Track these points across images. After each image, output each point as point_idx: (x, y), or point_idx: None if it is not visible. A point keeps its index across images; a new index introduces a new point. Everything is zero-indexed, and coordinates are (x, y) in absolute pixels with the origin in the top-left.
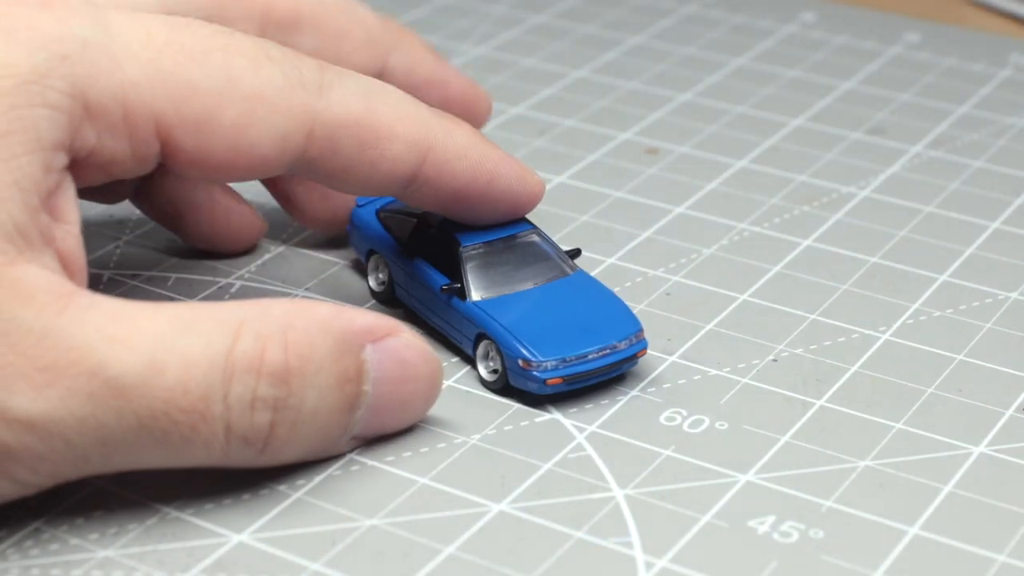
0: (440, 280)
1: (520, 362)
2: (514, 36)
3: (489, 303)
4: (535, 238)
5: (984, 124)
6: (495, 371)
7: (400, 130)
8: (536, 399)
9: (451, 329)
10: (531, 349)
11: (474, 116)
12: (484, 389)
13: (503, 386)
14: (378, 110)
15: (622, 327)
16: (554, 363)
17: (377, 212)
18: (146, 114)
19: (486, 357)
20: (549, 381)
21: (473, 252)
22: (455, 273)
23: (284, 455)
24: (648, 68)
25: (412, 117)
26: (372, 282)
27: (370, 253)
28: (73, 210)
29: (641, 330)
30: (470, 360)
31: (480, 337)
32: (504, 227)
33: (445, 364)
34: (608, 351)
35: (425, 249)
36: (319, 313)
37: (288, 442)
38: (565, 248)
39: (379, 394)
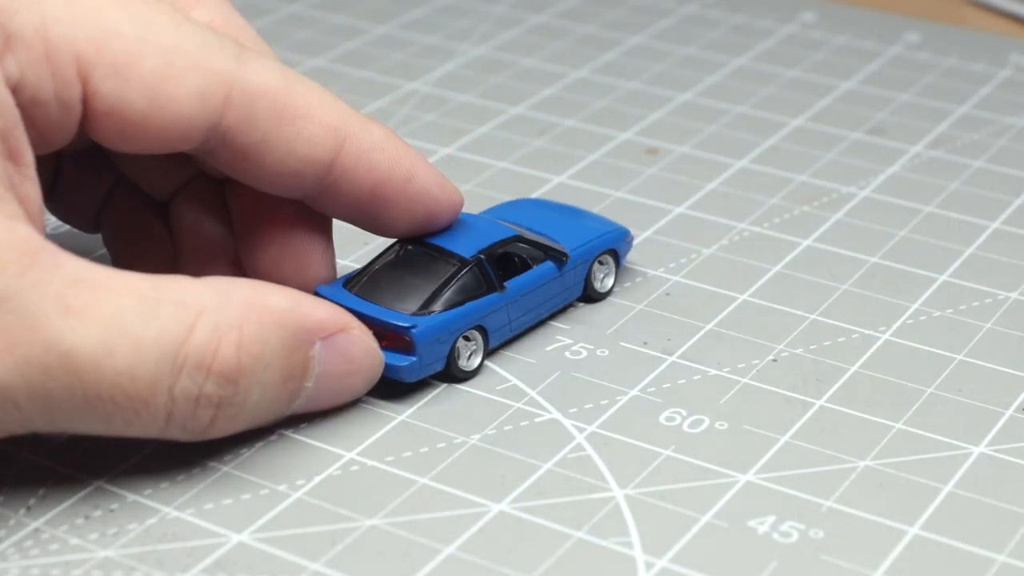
0: (542, 271)
1: (627, 239)
2: (514, 36)
3: (567, 244)
4: (480, 216)
5: (984, 124)
6: (607, 276)
7: (318, 112)
8: (535, 400)
9: (564, 296)
10: (621, 227)
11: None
12: (483, 389)
13: (616, 277)
14: (295, 89)
15: (616, 229)
16: (629, 236)
17: (416, 312)
18: (67, 51)
19: (600, 278)
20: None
21: (521, 237)
22: (522, 263)
23: (218, 436)
24: (648, 68)
25: (329, 102)
26: (465, 365)
27: (454, 345)
28: (27, 151)
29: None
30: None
31: (591, 266)
32: (484, 223)
33: None
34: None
35: (499, 276)
36: (276, 306)
37: (224, 430)
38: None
39: (319, 387)
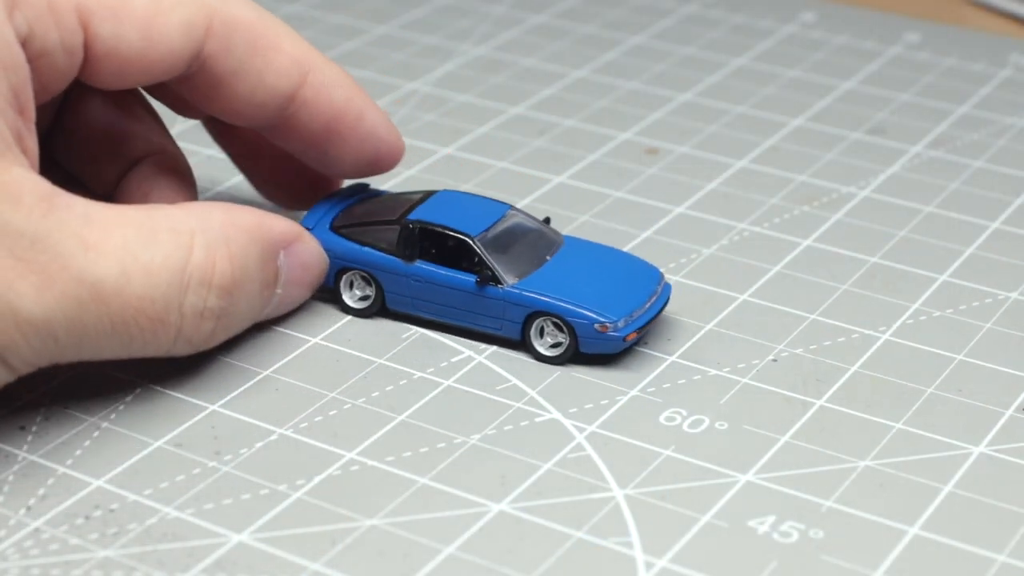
0: (457, 277)
1: (597, 327)
2: (514, 36)
3: (528, 283)
4: (518, 215)
5: (984, 124)
6: (557, 345)
7: (286, 45)
8: (535, 400)
9: (485, 319)
10: (603, 313)
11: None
12: (483, 389)
13: (570, 357)
14: (267, 22)
15: (650, 275)
16: (624, 320)
17: (335, 230)
18: (68, 0)
19: (541, 335)
20: (628, 337)
21: (485, 239)
22: (466, 266)
23: (214, 345)
24: (648, 68)
25: (295, 38)
26: (350, 300)
27: (340, 272)
28: (32, 106)
29: (663, 274)
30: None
31: (532, 317)
32: (490, 211)
33: (444, 365)
34: (655, 297)
35: (421, 252)
36: (248, 222)
37: (219, 339)
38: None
39: (284, 294)
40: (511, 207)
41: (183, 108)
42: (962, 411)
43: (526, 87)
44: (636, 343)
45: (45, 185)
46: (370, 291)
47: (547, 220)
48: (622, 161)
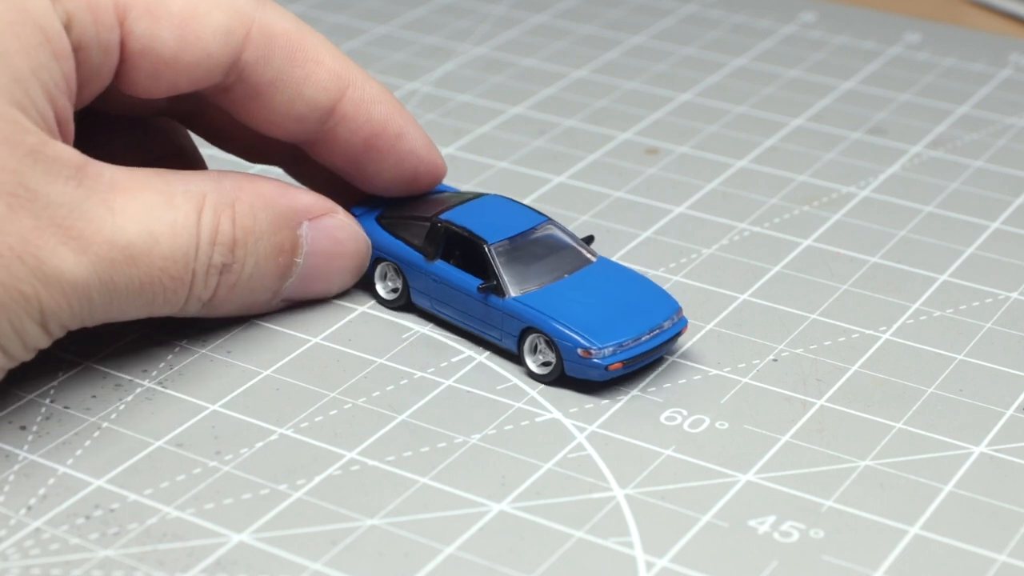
0: (469, 281)
1: (580, 351)
2: (514, 36)
3: (530, 297)
4: (553, 229)
5: (984, 124)
6: (546, 364)
7: (326, 58)
8: (536, 400)
9: (488, 328)
10: (589, 338)
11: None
12: (484, 389)
13: (557, 377)
14: (307, 34)
15: (664, 307)
16: (612, 349)
17: (378, 220)
18: None
19: (534, 351)
20: (611, 367)
21: (500, 248)
22: (483, 272)
23: (222, 310)
24: (648, 68)
25: (335, 51)
26: (382, 290)
27: (376, 262)
28: (74, 96)
29: (680, 309)
30: (512, 356)
31: (526, 332)
32: (522, 220)
33: (444, 365)
34: (657, 331)
35: (444, 251)
36: (263, 189)
37: (226, 300)
38: (581, 236)
39: (309, 265)
40: (548, 220)
41: (218, 135)
42: (962, 411)
43: (526, 87)
44: (624, 373)
45: (79, 155)
46: (399, 284)
47: (589, 239)
48: (622, 161)
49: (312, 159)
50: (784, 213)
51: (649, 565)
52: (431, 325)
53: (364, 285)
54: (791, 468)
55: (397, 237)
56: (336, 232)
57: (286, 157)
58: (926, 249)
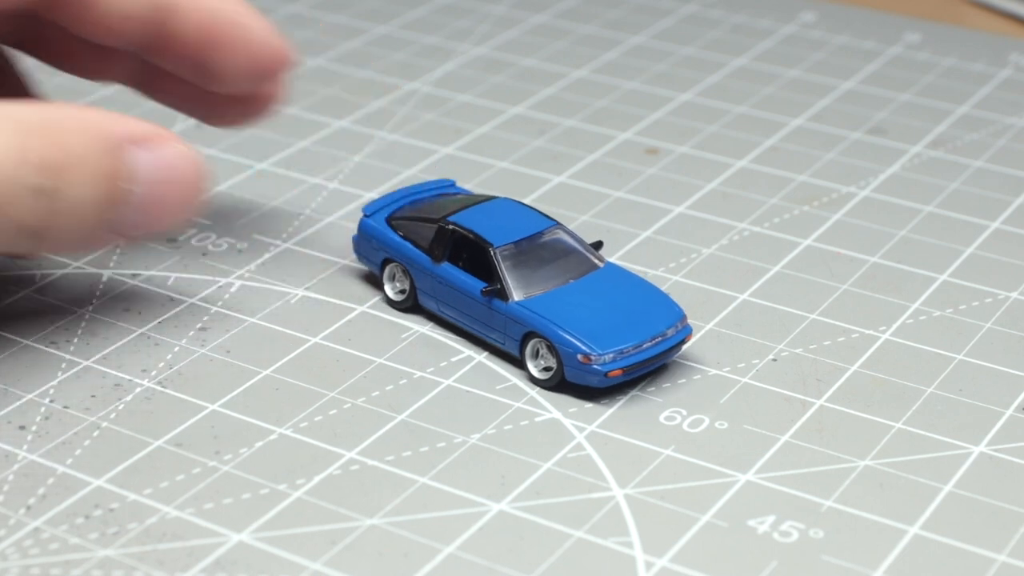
0: (474, 284)
1: (579, 357)
2: (514, 36)
3: (533, 302)
4: (561, 233)
5: (984, 124)
6: (547, 369)
7: None
8: (535, 399)
9: (492, 332)
10: (589, 344)
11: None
12: (483, 388)
13: (558, 382)
14: None
15: (668, 315)
16: (612, 355)
17: (388, 221)
18: None
19: (536, 356)
20: (610, 373)
21: (506, 252)
22: (489, 275)
23: (58, 244)
24: (648, 68)
25: None
26: (390, 291)
27: (385, 262)
28: None
29: (684, 316)
30: (515, 360)
31: (528, 337)
32: (530, 224)
33: (444, 364)
34: (659, 339)
35: (451, 254)
36: (87, 114)
37: (57, 230)
38: (589, 240)
39: (145, 194)
40: (556, 224)
41: (54, 53)
42: (962, 411)
43: (526, 87)
44: (624, 380)
45: None
46: (407, 285)
47: (598, 244)
48: (622, 161)
49: (158, 71)
50: (784, 213)
51: (649, 565)
52: (431, 325)
53: (364, 284)
54: (791, 468)
55: (406, 238)
56: (174, 160)
57: (132, 72)
58: (926, 249)
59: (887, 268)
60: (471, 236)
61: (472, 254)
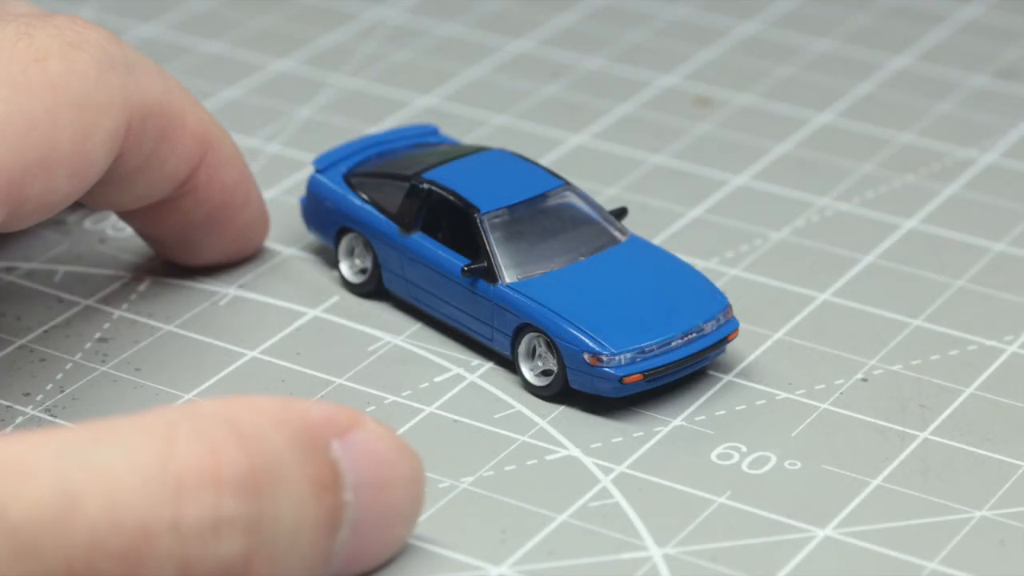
0: (454, 261)
1: (586, 357)
2: None
3: (529, 284)
4: (571, 196)
5: None
6: (547, 372)
7: (190, 121)
8: (546, 432)
9: (476, 323)
10: (600, 340)
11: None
12: (478, 418)
13: (560, 390)
14: (172, 92)
15: (706, 304)
16: (630, 355)
17: (346, 178)
18: None
19: (532, 356)
20: (626, 379)
21: (497, 220)
22: (475, 249)
23: None
24: None
25: (195, 104)
26: (347, 271)
27: (341, 232)
28: None
29: (729, 306)
30: (507, 362)
31: (522, 330)
32: (531, 184)
33: (425, 386)
34: (694, 335)
35: (427, 222)
36: (263, 404)
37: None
38: (609, 208)
39: (360, 505)
40: (565, 183)
41: None
42: None
43: (533, 15)
44: (646, 389)
45: None
46: (368, 263)
47: (621, 212)
48: (663, 115)
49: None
50: (880, 185)
51: None
52: (407, 333)
53: (318, 278)
54: (884, 521)
55: (368, 201)
56: (378, 450)
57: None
58: None
59: (1016, 259)
60: (452, 198)
61: (453, 222)
